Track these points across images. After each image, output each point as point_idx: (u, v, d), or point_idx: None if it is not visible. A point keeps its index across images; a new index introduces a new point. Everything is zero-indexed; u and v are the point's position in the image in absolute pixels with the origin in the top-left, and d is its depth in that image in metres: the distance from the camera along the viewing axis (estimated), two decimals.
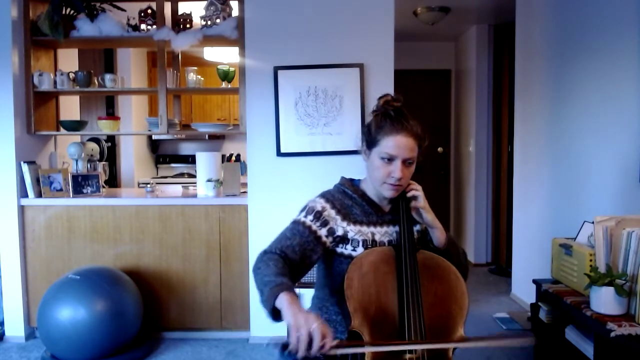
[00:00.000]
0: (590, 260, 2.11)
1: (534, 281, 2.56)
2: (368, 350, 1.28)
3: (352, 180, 1.59)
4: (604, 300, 1.92)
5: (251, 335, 3.15)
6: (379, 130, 1.45)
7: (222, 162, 3.46)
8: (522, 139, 3.90)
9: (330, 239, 1.47)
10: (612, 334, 1.79)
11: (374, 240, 1.49)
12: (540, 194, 3.54)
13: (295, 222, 1.46)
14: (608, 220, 2.02)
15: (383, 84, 3.06)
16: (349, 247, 1.48)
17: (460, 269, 1.53)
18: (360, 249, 1.47)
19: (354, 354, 1.40)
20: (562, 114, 3.21)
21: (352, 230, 1.48)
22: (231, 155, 5.62)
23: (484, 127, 5.01)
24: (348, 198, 1.53)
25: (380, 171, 1.44)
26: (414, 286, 1.35)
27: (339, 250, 1.49)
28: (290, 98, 3.05)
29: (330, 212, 1.48)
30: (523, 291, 3.79)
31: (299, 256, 1.39)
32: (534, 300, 2.58)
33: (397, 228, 1.53)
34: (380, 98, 1.51)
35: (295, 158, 3.09)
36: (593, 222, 2.10)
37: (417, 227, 1.57)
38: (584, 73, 2.92)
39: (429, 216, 1.49)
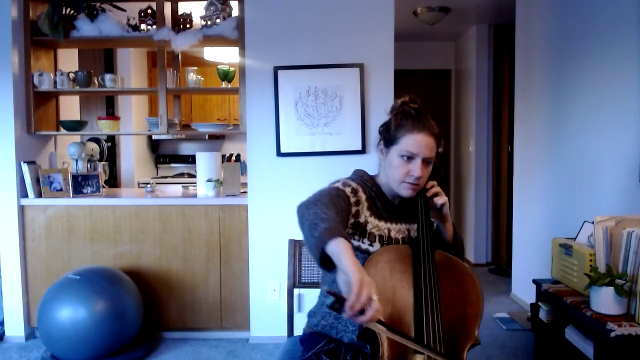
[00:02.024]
0: (590, 260, 2.11)
1: (534, 281, 2.56)
2: (402, 341, 1.19)
3: (370, 175, 1.57)
4: (604, 300, 1.92)
5: (251, 335, 3.15)
6: (400, 128, 1.44)
7: (222, 162, 3.46)
8: (522, 139, 3.90)
9: (352, 221, 1.44)
10: (612, 334, 1.79)
11: (389, 237, 1.49)
12: (540, 193, 3.54)
13: (335, 188, 1.41)
14: (608, 220, 2.02)
15: (383, 84, 3.06)
16: (366, 241, 1.46)
17: (463, 254, 1.58)
18: (377, 245, 1.46)
19: (353, 352, 1.40)
20: (562, 114, 3.21)
21: (372, 223, 1.47)
22: (231, 155, 5.62)
23: (484, 127, 5.01)
24: (370, 189, 1.52)
25: (399, 170, 1.43)
26: (432, 286, 1.33)
27: (355, 243, 1.46)
28: (290, 98, 3.05)
29: (362, 196, 1.47)
30: (523, 291, 3.79)
31: (341, 219, 1.32)
32: (534, 300, 2.58)
33: (408, 225, 1.53)
34: (397, 99, 1.50)
35: (295, 158, 3.09)
36: (593, 222, 2.10)
37: None
38: (584, 73, 2.92)
39: (446, 212, 1.49)
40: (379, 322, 1.13)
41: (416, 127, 1.43)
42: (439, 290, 1.34)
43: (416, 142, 1.41)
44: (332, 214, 1.23)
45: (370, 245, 1.46)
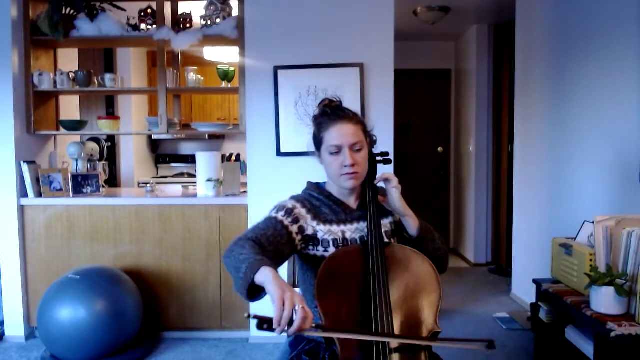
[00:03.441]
0: (590, 260, 2.11)
1: (534, 281, 2.56)
2: (340, 335, 1.28)
3: (317, 183, 1.62)
4: (604, 300, 1.92)
5: (251, 335, 3.15)
6: (320, 128, 1.51)
7: (222, 162, 3.46)
8: (522, 139, 3.90)
9: (300, 237, 1.48)
10: (612, 334, 1.79)
11: (344, 239, 1.51)
12: (540, 193, 3.54)
13: (268, 218, 1.47)
14: (608, 220, 2.02)
15: (383, 84, 3.06)
16: (320, 248, 1.49)
17: (439, 254, 1.55)
18: (332, 249, 1.49)
19: (332, 351, 1.41)
20: (562, 113, 3.21)
21: (322, 231, 1.50)
22: (231, 155, 5.61)
23: (484, 127, 5.00)
24: (315, 200, 1.56)
25: (333, 165, 1.48)
26: (381, 283, 1.35)
27: (311, 252, 1.50)
28: (290, 98, 3.05)
29: (301, 211, 1.50)
30: (523, 291, 3.79)
31: (273, 248, 1.39)
32: (534, 300, 2.58)
33: (367, 223, 1.54)
34: (319, 104, 1.57)
35: (295, 158, 3.09)
36: (593, 222, 2.10)
37: (389, 219, 1.60)
38: (584, 73, 2.92)
39: (399, 203, 1.49)
40: (320, 327, 1.20)
41: (332, 121, 1.48)
42: (389, 285, 1.37)
43: (336, 133, 1.46)
44: (250, 251, 1.28)
45: (325, 250, 1.49)
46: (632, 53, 2.44)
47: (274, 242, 1.40)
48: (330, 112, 1.50)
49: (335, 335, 1.27)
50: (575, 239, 2.41)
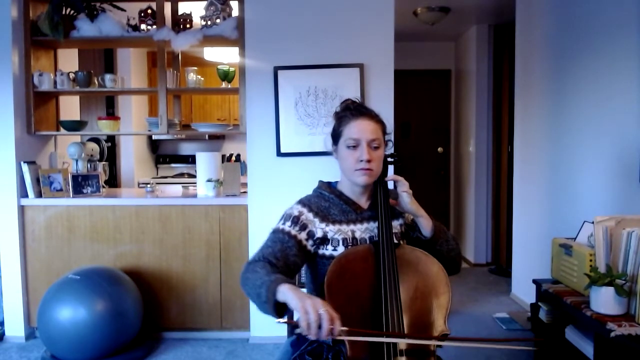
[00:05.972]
0: (590, 260, 2.11)
1: (534, 281, 2.56)
2: (374, 339, 1.28)
3: (329, 182, 1.62)
4: (604, 300, 1.92)
5: (251, 335, 3.15)
6: (341, 122, 1.52)
7: (222, 162, 3.47)
8: (522, 139, 3.90)
9: (311, 242, 1.49)
10: (612, 334, 1.79)
11: (354, 238, 1.51)
12: (540, 193, 3.54)
13: (275, 231, 1.49)
14: (608, 220, 2.02)
15: (383, 84, 3.06)
16: (329, 247, 1.50)
17: (452, 254, 1.55)
18: (341, 248, 1.49)
19: (335, 352, 1.41)
20: (562, 113, 3.21)
21: (332, 230, 1.50)
22: (231, 155, 5.62)
23: (484, 127, 5.01)
24: (325, 200, 1.56)
25: (348, 160, 1.48)
26: (392, 283, 1.36)
27: (320, 252, 1.51)
28: (290, 98, 3.05)
29: (308, 216, 1.50)
30: (523, 291, 3.79)
31: (282, 262, 1.41)
32: (534, 300, 2.58)
33: (377, 224, 1.54)
34: (341, 103, 1.59)
35: (295, 158, 3.09)
36: (593, 222, 2.10)
37: (400, 221, 1.59)
38: (584, 73, 2.92)
39: (412, 205, 1.49)
40: (350, 331, 1.22)
41: (354, 116, 1.50)
42: (399, 285, 1.37)
43: (357, 128, 1.48)
44: (263, 273, 1.31)
45: (334, 249, 1.49)
46: (632, 53, 2.44)
47: (282, 257, 1.42)
48: (353, 108, 1.52)
49: (369, 339, 1.28)
50: (575, 239, 2.41)
